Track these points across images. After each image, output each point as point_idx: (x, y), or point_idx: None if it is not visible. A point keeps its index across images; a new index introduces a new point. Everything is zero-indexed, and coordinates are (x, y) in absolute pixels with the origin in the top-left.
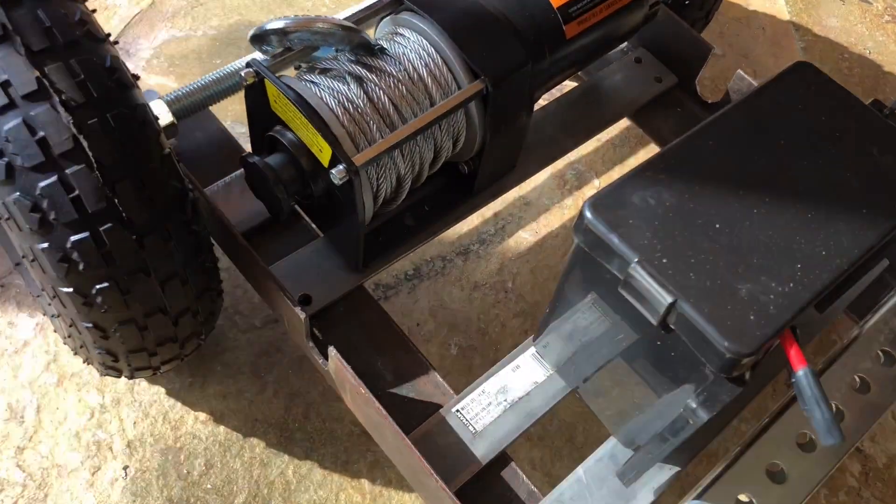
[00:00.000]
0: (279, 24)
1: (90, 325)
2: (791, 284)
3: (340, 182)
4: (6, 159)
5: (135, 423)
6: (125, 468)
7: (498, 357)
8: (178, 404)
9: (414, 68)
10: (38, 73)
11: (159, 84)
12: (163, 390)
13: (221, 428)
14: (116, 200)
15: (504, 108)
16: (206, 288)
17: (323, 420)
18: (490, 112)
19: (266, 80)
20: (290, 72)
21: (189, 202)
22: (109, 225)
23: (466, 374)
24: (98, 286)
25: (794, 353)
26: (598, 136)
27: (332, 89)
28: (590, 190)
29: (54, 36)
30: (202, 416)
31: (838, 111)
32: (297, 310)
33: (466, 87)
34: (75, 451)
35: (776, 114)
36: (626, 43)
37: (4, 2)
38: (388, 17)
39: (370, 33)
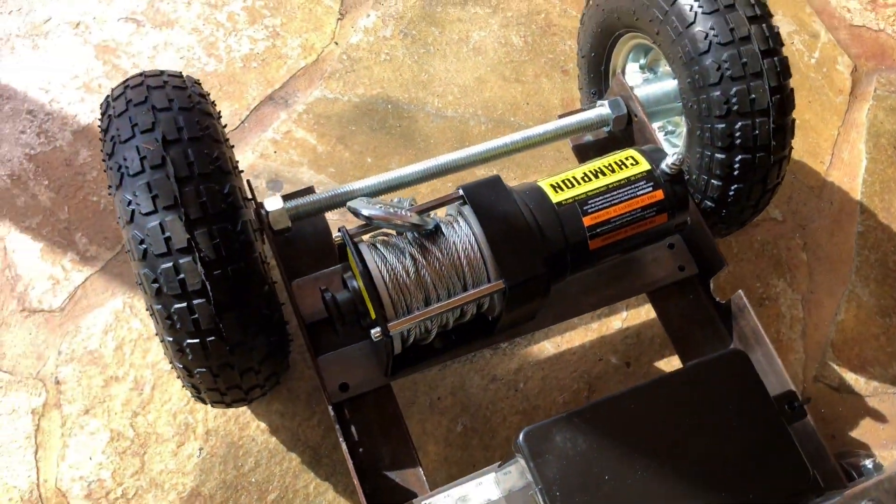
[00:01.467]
0: (364, 212)
1: (181, 365)
2: None
3: (376, 339)
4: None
5: (215, 416)
6: (200, 449)
7: (494, 443)
8: (249, 411)
9: (458, 256)
10: (188, 236)
11: (303, 138)
12: None
13: (273, 438)
14: (209, 285)
15: (519, 299)
16: (269, 355)
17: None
18: (507, 301)
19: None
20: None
21: (265, 294)
22: (203, 301)
23: (463, 450)
24: (188, 341)
25: None
26: None
27: (390, 263)
28: (617, 320)
29: (206, 207)
30: (262, 425)
31: (749, 407)
32: (329, 402)
33: (491, 283)
34: (170, 426)
35: (695, 394)
36: None
37: (178, 179)
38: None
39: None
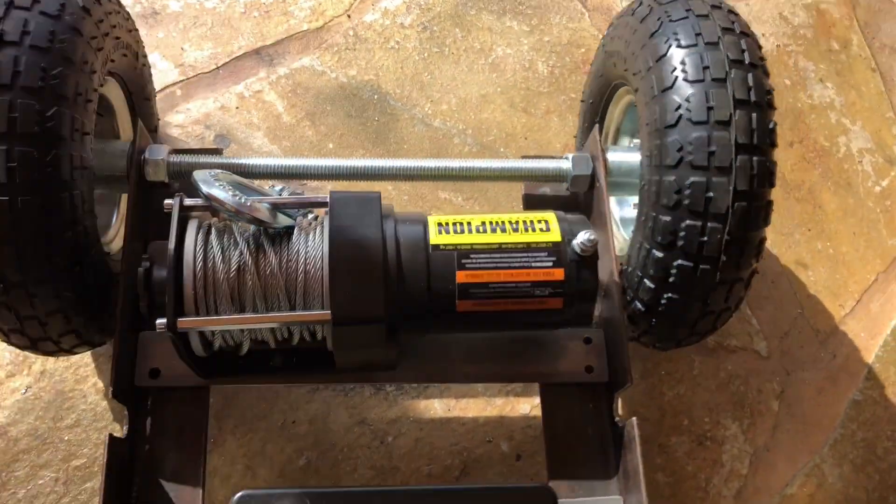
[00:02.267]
0: (203, 188)
1: None
2: None
3: (160, 331)
4: None
5: (56, 359)
6: (28, 387)
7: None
8: (93, 365)
9: (296, 269)
10: None
11: (271, 102)
12: None
13: (104, 403)
14: None
15: (349, 340)
16: (60, 309)
17: None
18: (335, 335)
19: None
20: None
21: (64, 240)
22: None
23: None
24: None
25: None
26: None
27: (212, 252)
28: (525, 404)
29: (14, 124)
30: (100, 384)
31: None
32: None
33: (320, 311)
34: (9, 352)
35: None
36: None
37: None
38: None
39: None
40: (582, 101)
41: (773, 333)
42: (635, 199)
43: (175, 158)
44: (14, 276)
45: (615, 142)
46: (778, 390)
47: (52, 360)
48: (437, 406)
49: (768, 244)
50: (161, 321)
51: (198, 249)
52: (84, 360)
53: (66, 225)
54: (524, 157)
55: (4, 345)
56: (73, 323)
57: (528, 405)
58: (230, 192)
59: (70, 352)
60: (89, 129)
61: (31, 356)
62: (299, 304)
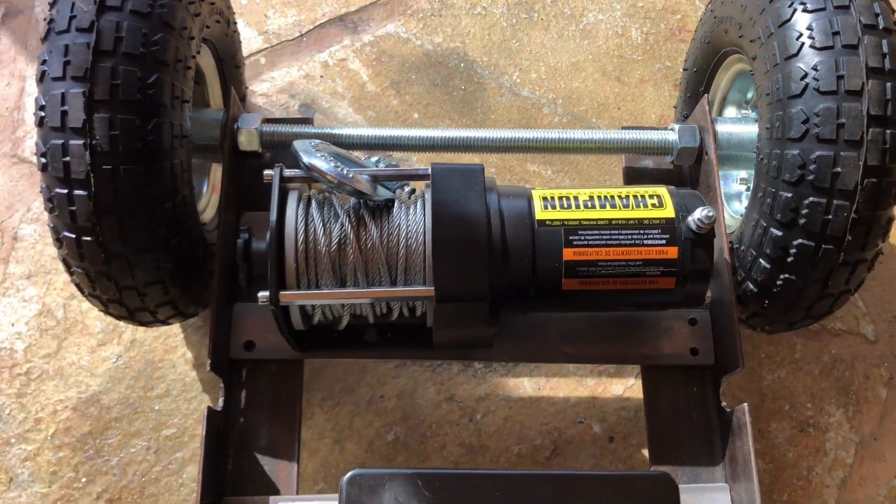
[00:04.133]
0: (305, 158)
1: (60, 256)
2: None
3: (261, 304)
4: None
5: (146, 329)
6: (118, 356)
7: (420, 465)
8: (182, 335)
9: (397, 243)
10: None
11: (356, 71)
12: None
13: (194, 373)
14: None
15: (451, 318)
16: (158, 280)
17: None
18: (436, 313)
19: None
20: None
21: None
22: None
23: (384, 462)
24: (64, 233)
25: None
26: None
27: (313, 224)
28: (619, 385)
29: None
30: (189, 355)
31: None
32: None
33: (421, 288)
34: (100, 321)
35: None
36: None
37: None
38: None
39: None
40: (684, 69)
41: (882, 316)
42: (740, 173)
43: (268, 128)
44: (115, 245)
45: (720, 112)
46: (886, 377)
47: (141, 329)
48: (527, 385)
49: None
50: (263, 294)
51: (299, 222)
52: (172, 331)
53: (167, 195)
54: (624, 127)
55: (95, 313)
56: (171, 293)
57: (621, 386)
58: (332, 163)
59: (165, 322)
60: (188, 96)
61: (121, 325)
62: (400, 280)
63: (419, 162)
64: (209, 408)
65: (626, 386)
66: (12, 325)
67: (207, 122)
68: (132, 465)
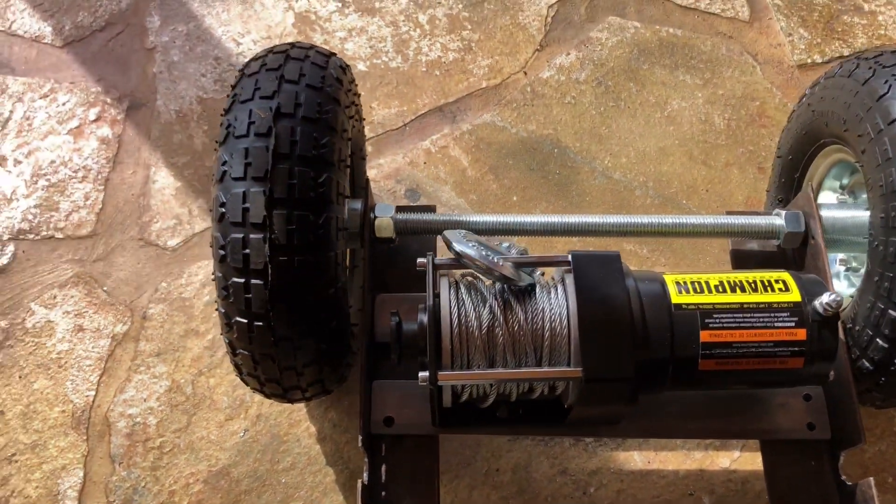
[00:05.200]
0: (456, 246)
1: (226, 339)
2: None
3: (422, 384)
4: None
5: (271, 403)
6: (246, 430)
7: None
8: (304, 410)
9: (542, 326)
10: (266, 213)
11: (456, 157)
12: None
13: (318, 446)
14: (271, 269)
15: (596, 397)
16: (316, 360)
17: None
18: (581, 393)
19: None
20: None
21: (328, 297)
22: (260, 283)
23: None
24: (236, 319)
25: None
26: None
27: (465, 308)
28: (725, 458)
29: (293, 190)
30: (312, 429)
31: None
32: (361, 430)
33: (567, 369)
34: (227, 396)
35: None
36: None
37: (276, 154)
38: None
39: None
40: (777, 156)
41: None
42: (840, 255)
43: (400, 216)
44: (284, 330)
45: (816, 196)
46: None
47: (266, 404)
48: (637, 458)
49: None
50: (424, 375)
51: (452, 306)
52: (296, 406)
53: (331, 282)
54: (728, 212)
55: (223, 389)
56: (323, 373)
57: (727, 459)
58: (482, 251)
59: (309, 399)
60: (348, 192)
61: (248, 400)
62: (545, 360)
63: (535, 245)
64: (362, 483)
65: (732, 458)
66: (144, 400)
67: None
68: None
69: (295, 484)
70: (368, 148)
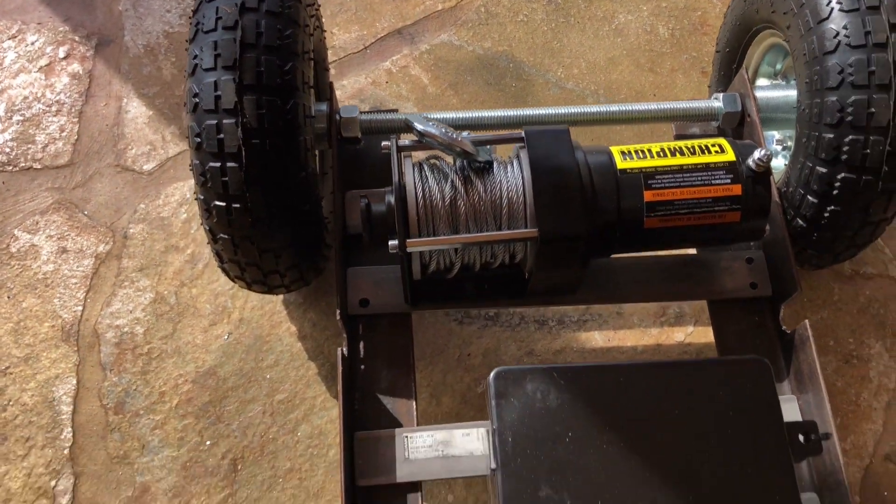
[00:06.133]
0: (419, 126)
1: (207, 227)
2: None
3: (392, 252)
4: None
5: (252, 308)
6: (229, 333)
7: None
8: (285, 312)
9: (500, 197)
10: (237, 99)
11: (417, 76)
12: (281, 297)
13: (299, 344)
14: (245, 151)
15: (551, 257)
16: (293, 243)
17: None
18: (538, 254)
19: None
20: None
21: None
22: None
23: (476, 411)
24: (215, 202)
25: None
26: None
27: (428, 183)
28: (680, 333)
29: (261, 76)
30: (293, 328)
31: (754, 421)
32: (340, 306)
33: (526, 230)
34: (209, 304)
35: (698, 390)
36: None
37: (243, 44)
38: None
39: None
40: (717, 51)
41: None
42: (776, 135)
43: (366, 116)
44: (261, 210)
45: (753, 84)
46: None
47: (248, 308)
48: (598, 337)
49: None
50: (393, 243)
51: (417, 183)
52: (276, 308)
53: (301, 166)
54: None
55: (205, 297)
56: (299, 258)
57: (682, 333)
58: (441, 129)
59: (288, 288)
60: (312, 83)
61: (230, 306)
62: (504, 226)
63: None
64: (341, 351)
65: (687, 332)
66: (130, 311)
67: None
68: (251, 427)
69: (279, 378)
70: (331, 70)
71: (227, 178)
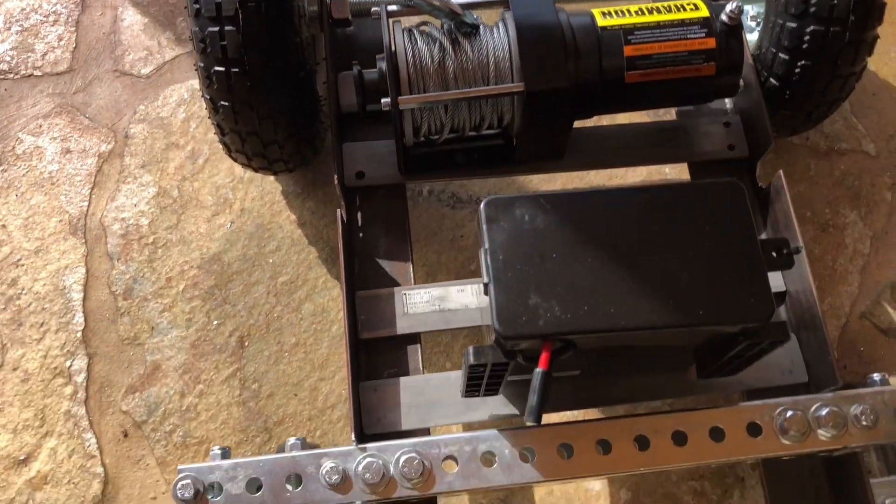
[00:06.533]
0: None
1: (208, 96)
2: (567, 316)
3: (385, 109)
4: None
5: (253, 198)
6: (231, 222)
7: None
8: (284, 202)
9: (487, 57)
10: None
11: None
12: (280, 188)
13: (299, 230)
14: (241, 14)
15: (537, 112)
16: (291, 112)
17: None
18: (524, 110)
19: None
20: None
21: (294, 45)
22: (233, 28)
23: None
24: (215, 68)
25: (543, 358)
26: None
27: (418, 46)
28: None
29: None
30: (293, 216)
31: (729, 236)
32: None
33: (513, 84)
34: (211, 196)
35: (676, 210)
36: (729, 103)
37: None
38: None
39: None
40: None
41: (880, 136)
42: (750, 11)
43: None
44: (258, 73)
45: None
46: (890, 183)
47: (249, 199)
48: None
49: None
50: (386, 100)
51: (407, 45)
52: (276, 198)
53: (295, 31)
54: None
55: (207, 189)
56: (296, 128)
57: None
58: None
59: (287, 164)
60: None
61: (231, 197)
62: (492, 84)
63: None
64: (339, 214)
65: None
66: (135, 205)
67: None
68: (256, 307)
69: (282, 262)
70: None
71: (225, 43)
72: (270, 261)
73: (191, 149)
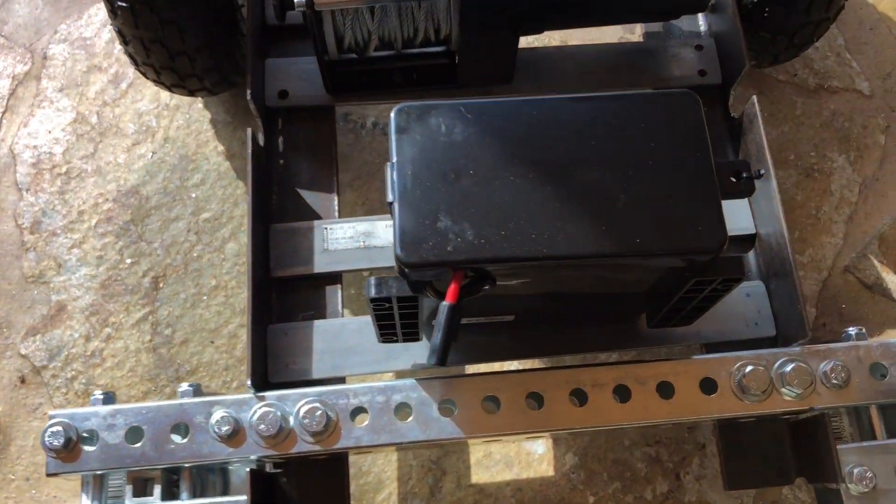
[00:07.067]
0: None
1: (116, 28)
2: (481, 242)
3: (297, 11)
4: None
5: (178, 126)
6: (153, 153)
7: None
8: (212, 131)
9: None
10: None
11: None
12: (209, 116)
13: (227, 163)
14: None
15: (474, 21)
16: (207, 41)
17: None
18: (460, 19)
19: None
20: None
21: None
22: None
23: None
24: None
25: (451, 290)
26: None
27: None
28: None
29: None
30: (221, 147)
31: (680, 152)
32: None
33: None
34: (133, 124)
35: (621, 121)
36: (703, 24)
37: None
38: None
39: None
40: None
41: (875, 74)
42: None
43: None
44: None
45: None
46: (883, 125)
47: (173, 127)
48: None
49: None
50: (300, 1)
51: None
52: (204, 127)
53: None
54: None
55: (128, 116)
56: (213, 46)
57: None
58: None
59: (210, 89)
60: None
61: (154, 125)
62: None
63: None
64: (250, 133)
65: None
66: (49, 132)
67: None
68: (174, 246)
69: (206, 197)
70: None
71: None
72: (193, 195)
73: (114, 72)
